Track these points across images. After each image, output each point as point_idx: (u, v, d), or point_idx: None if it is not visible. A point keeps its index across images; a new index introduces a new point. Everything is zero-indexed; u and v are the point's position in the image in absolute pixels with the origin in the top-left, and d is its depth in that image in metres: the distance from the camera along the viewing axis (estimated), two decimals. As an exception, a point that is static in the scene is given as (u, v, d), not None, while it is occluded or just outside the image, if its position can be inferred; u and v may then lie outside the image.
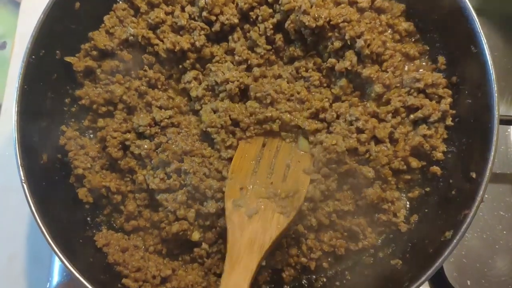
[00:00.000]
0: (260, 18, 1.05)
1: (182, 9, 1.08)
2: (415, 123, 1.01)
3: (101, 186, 0.99)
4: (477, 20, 0.93)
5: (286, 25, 1.03)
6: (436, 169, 0.98)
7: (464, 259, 1.12)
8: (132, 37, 1.03)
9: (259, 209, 0.91)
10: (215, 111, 1.03)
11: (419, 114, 0.99)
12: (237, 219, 0.90)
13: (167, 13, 1.07)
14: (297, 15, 1.00)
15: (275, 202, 0.92)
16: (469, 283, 1.10)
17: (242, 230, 0.88)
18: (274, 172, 0.97)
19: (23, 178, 0.91)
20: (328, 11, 0.99)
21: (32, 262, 1.22)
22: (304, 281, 1.01)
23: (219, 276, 0.98)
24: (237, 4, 1.05)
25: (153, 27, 1.06)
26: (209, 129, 1.01)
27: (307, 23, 0.98)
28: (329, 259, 1.00)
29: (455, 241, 0.85)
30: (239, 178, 0.96)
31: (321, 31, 1.00)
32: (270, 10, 1.05)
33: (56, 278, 1.14)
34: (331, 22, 0.99)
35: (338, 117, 1.02)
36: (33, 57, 0.97)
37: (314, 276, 1.01)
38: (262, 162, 0.99)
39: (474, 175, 0.89)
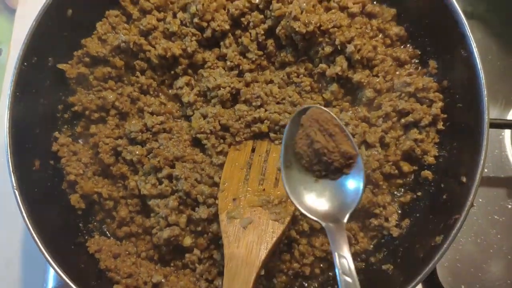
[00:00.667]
0: (251, 24, 1.05)
1: (174, 16, 1.08)
2: (406, 127, 1.01)
3: (93, 192, 1.00)
4: (466, 24, 0.93)
5: (277, 30, 1.03)
6: (427, 173, 0.98)
7: (458, 263, 1.12)
8: (124, 44, 1.03)
9: (253, 218, 0.90)
10: (204, 117, 1.03)
11: (410, 118, 0.99)
12: (232, 231, 0.89)
13: (159, 20, 1.07)
14: (288, 21, 1.00)
15: (269, 209, 0.92)
16: (463, 288, 1.10)
17: (238, 242, 0.88)
18: (265, 178, 0.97)
19: (14, 184, 0.91)
20: (319, 16, 1.00)
21: (28, 267, 1.23)
22: (295, 287, 1.01)
23: (210, 282, 0.98)
24: (228, 11, 1.06)
25: (145, 34, 1.06)
26: (198, 135, 1.02)
27: (297, 29, 0.98)
28: (321, 265, 1.00)
29: (445, 246, 0.84)
30: (231, 189, 0.96)
31: (312, 37, 1.01)
32: (261, 16, 1.05)
33: (51, 283, 1.15)
34: (321, 28, 0.99)
35: (328, 122, 1.02)
36: (25, 64, 0.97)
37: (306, 282, 1.01)
38: (252, 168, 0.99)
39: (464, 179, 0.89)
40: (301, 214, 0.78)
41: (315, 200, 0.80)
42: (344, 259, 0.72)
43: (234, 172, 0.99)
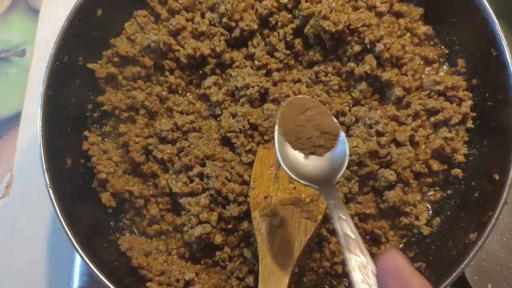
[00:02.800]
0: (279, 23, 1.06)
1: (202, 16, 1.09)
2: (436, 126, 1.01)
3: (124, 190, 1.00)
4: (497, 22, 0.93)
5: (305, 30, 1.04)
6: (457, 171, 0.98)
7: (485, 262, 1.12)
8: (154, 44, 1.04)
9: (286, 216, 0.91)
10: (233, 116, 1.04)
11: (439, 117, 0.99)
12: (265, 229, 0.90)
13: (187, 20, 1.08)
14: (317, 20, 1.01)
15: (300, 207, 0.92)
16: (490, 287, 1.10)
17: (271, 240, 0.88)
18: None
19: (48, 182, 0.91)
20: (348, 15, 1.00)
21: (53, 266, 1.23)
22: (326, 286, 1.01)
23: (241, 280, 0.98)
24: (256, 10, 1.07)
25: (174, 33, 1.07)
26: (228, 134, 1.02)
27: (327, 28, 0.99)
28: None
29: (479, 243, 0.84)
30: (262, 187, 0.96)
31: (341, 36, 1.01)
32: (290, 16, 1.06)
33: (76, 282, 1.15)
34: (350, 27, 1.00)
35: (357, 120, 1.03)
36: (57, 63, 0.98)
37: (335, 281, 1.01)
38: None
39: (497, 176, 0.89)
40: (294, 180, 0.78)
41: (307, 172, 0.81)
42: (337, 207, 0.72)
43: (264, 170, 0.99)
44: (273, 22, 1.07)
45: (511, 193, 1.14)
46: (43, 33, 1.42)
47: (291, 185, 0.96)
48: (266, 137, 1.04)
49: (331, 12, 1.00)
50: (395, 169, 0.97)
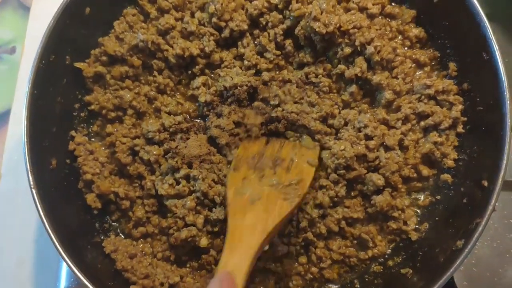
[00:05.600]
0: (270, 24, 1.05)
1: (192, 15, 1.08)
2: (426, 130, 1.00)
3: (110, 191, 0.99)
4: (489, 26, 0.92)
5: (296, 31, 1.03)
6: (447, 176, 0.97)
7: (474, 268, 1.11)
8: (142, 43, 1.03)
9: (262, 195, 0.89)
10: (220, 116, 1.03)
11: (429, 121, 0.98)
12: (239, 205, 0.89)
13: (177, 19, 1.07)
14: (307, 21, 0.99)
15: (278, 189, 0.91)
16: (479, 292, 1.09)
17: (244, 214, 0.87)
18: (277, 165, 0.96)
19: (32, 183, 0.90)
20: (338, 17, 0.99)
21: (40, 266, 1.23)
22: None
23: (227, 283, 0.97)
24: (246, 10, 1.05)
25: (163, 33, 1.06)
26: (214, 135, 1.01)
27: (317, 29, 0.98)
28: (338, 268, 0.99)
29: (466, 250, 0.84)
30: (242, 170, 0.95)
31: (331, 37, 1.00)
32: (280, 16, 1.04)
33: (63, 283, 1.14)
34: (341, 28, 0.99)
35: (346, 124, 1.02)
36: (43, 62, 0.96)
37: (322, 286, 1.00)
38: (265, 156, 0.98)
39: (486, 183, 0.88)
40: None
41: None
42: None
43: (247, 155, 0.98)
44: (264, 23, 1.05)
45: (500, 197, 1.14)
46: (34, 30, 1.41)
47: (271, 171, 0.95)
48: (253, 134, 1.02)
49: (321, 13, 0.98)
50: (384, 173, 0.96)
